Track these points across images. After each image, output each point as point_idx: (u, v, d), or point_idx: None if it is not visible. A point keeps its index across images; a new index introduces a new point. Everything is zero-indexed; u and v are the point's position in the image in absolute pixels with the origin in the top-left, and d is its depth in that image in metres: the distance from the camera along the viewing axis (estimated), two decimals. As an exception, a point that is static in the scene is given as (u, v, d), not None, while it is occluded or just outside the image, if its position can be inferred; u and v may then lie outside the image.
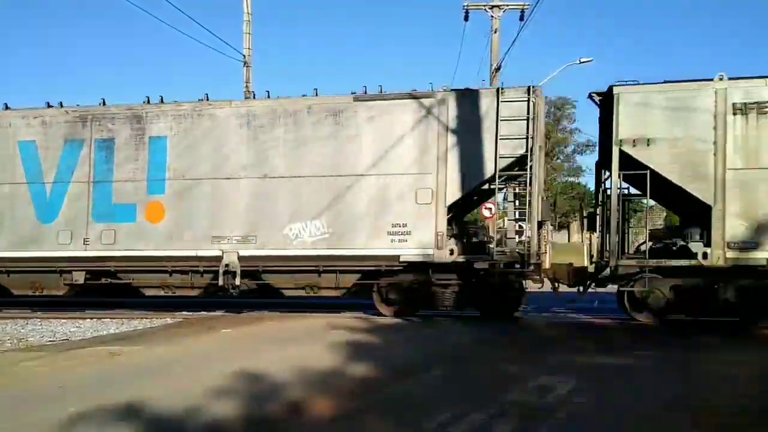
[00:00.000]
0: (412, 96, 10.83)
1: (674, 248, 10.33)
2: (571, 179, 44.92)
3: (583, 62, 22.02)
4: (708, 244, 9.67)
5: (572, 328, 9.98)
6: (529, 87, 10.57)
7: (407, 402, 5.33)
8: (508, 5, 20.47)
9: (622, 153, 9.95)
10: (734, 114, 9.58)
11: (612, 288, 10.79)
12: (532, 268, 10.34)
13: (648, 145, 9.83)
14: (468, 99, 10.71)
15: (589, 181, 41.92)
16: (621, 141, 9.93)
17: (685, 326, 10.22)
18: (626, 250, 11.05)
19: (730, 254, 9.54)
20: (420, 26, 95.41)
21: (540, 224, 10.61)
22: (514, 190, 12.43)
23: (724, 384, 5.96)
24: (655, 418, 4.81)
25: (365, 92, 11.04)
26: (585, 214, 14.61)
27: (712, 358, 7.34)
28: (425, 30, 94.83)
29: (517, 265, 10.52)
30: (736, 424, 4.70)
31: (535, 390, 5.58)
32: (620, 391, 5.65)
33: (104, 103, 11.88)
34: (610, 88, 10.14)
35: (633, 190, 11.33)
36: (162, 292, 11.91)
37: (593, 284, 10.97)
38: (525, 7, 20.03)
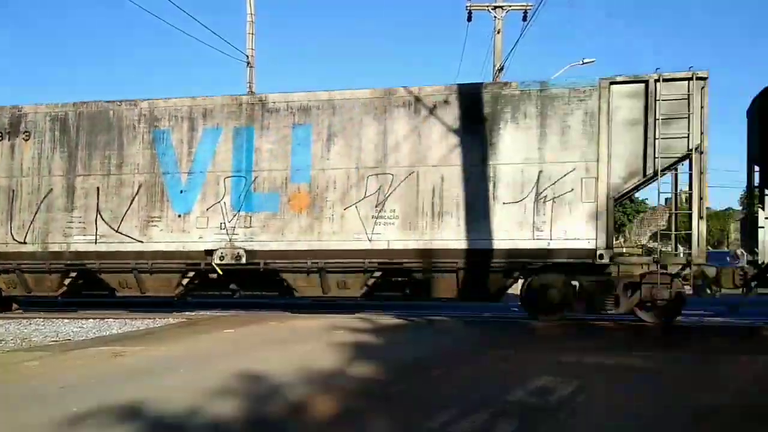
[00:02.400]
0: None
1: None
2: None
3: (586, 63, 22.00)
4: None
5: (575, 329, 9.95)
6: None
7: (409, 401, 5.33)
8: (510, 6, 20.45)
9: None
10: None
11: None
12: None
13: None
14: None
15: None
16: None
17: (687, 328, 10.21)
18: None
19: None
20: (423, 27, 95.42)
21: None
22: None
23: (727, 384, 5.94)
24: (656, 418, 4.80)
25: None
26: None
27: (714, 358, 7.31)
28: (428, 30, 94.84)
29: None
30: (738, 425, 4.69)
31: (537, 390, 5.57)
32: (622, 392, 5.63)
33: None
34: None
35: None
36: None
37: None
38: (528, 7, 20.01)
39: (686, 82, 10.02)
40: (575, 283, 10.55)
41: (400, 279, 11.36)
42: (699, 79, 9.98)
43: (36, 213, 11.98)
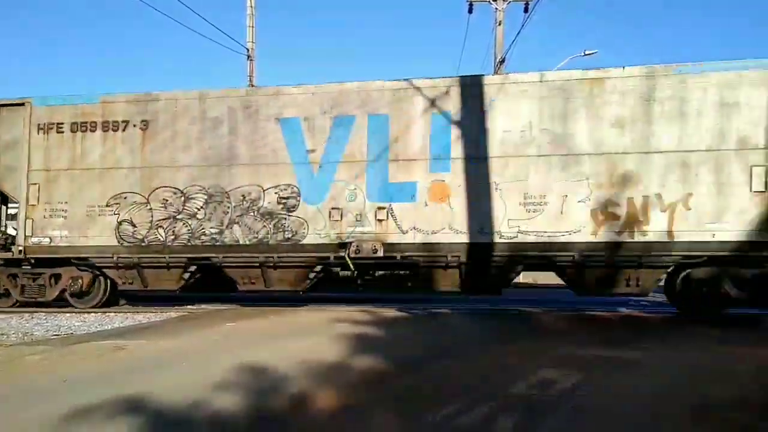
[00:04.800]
0: None
1: None
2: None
3: (588, 54, 21.91)
4: None
5: (576, 321, 9.95)
6: None
7: (411, 395, 5.33)
8: (511, -3, 20.31)
9: None
10: None
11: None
12: None
13: None
14: None
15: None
16: None
17: (689, 320, 10.19)
18: None
19: None
20: (424, 19, 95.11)
21: None
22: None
23: (728, 378, 5.93)
24: (658, 412, 4.80)
25: None
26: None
27: (716, 351, 7.31)
28: (429, 23, 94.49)
29: None
30: (739, 419, 4.68)
31: (539, 383, 5.57)
32: (624, 385, 5.63)
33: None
34: None
35: None
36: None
37: None
38: (529, -1, 19.88)
39: None
40: None
41: None
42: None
43: None
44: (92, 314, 11.41)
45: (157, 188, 11.41)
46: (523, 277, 16.94)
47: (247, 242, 11.12)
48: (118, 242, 11.45)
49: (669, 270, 10.49)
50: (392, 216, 10.77)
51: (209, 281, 12.20)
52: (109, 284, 12.16)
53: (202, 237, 11.23)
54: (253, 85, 20.14)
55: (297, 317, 10.50)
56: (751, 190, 9.79)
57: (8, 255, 11.92)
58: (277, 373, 5.88)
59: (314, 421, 4.74)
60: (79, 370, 6.41)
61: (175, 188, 11.35)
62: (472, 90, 10.68)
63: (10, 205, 12.82)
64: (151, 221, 11.39)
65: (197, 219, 11.25)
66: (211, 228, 11.19)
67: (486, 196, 10.55)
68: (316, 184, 11.03)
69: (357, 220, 10.84)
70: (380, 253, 10.71)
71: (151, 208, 11.42)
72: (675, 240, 10.01)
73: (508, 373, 6.00)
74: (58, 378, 6.00)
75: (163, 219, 11.36)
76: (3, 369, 6.56)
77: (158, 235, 11.36)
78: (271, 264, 11.18)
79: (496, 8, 20.30)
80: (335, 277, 11.85)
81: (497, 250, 10.52)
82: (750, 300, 10.20)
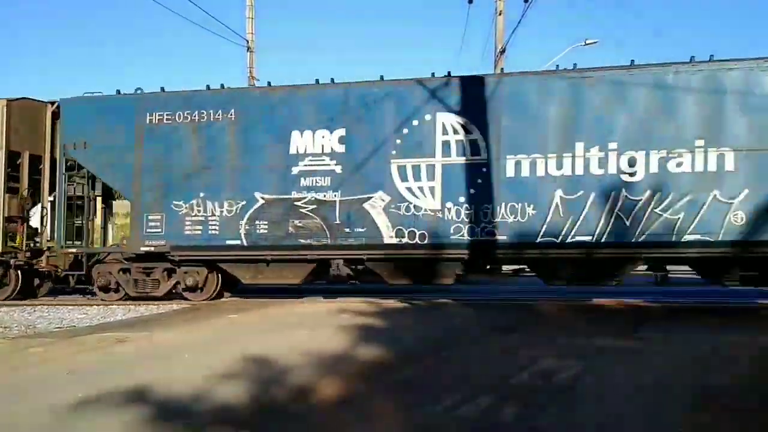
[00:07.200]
0: None
1: None
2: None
3: (589, 44, 21.76)
4: None
5: (578, 311, 9.95)
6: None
7: (414, 385, 5.33)
8: (512, -14, 20.19)
9: None
10: None
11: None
12: None
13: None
14: None
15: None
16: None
17: (691, 309, 10.20)
18: None
19: None
20: (424, 9, 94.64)
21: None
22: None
23: (728, 366, 5.93)
24: (659, 400, 4.80)
25: None
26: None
27: (716, 339, 7.30)
28: (430, 12, 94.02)
29: None
30: (738, 407, 4.67)
31: (541, 373, 5.57)
32: (625, 374, 5.63)
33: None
34: None
35: None
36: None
37: None
38: (529, -12, 19.72)
39: None
40: None
41: None
42: None
43: None
44: (95, 307, 11.43)
45: None
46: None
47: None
48: None
49: None
50: None
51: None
52: None
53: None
54: (254, 78, 20.09)
55: (300, 308, 10.51)
56: None
57: None
58: (281, 364, 5.88)
59: (317, 411, 4.74)
60: (82, 363, 6.42)
61: None
62: None
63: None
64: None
65: None
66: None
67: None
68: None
69: None
70: None
71: None
72: None
73: (510, 363, 5.99)
74: (61, 370, 6.00)
75: None
76: (7, 361, 6.58)
77: None
78: None
79: (497, -3, 20.16)
80: None
81: None
82: None
